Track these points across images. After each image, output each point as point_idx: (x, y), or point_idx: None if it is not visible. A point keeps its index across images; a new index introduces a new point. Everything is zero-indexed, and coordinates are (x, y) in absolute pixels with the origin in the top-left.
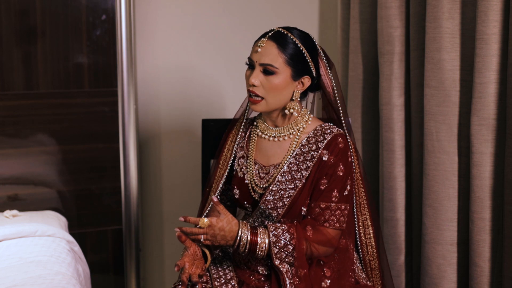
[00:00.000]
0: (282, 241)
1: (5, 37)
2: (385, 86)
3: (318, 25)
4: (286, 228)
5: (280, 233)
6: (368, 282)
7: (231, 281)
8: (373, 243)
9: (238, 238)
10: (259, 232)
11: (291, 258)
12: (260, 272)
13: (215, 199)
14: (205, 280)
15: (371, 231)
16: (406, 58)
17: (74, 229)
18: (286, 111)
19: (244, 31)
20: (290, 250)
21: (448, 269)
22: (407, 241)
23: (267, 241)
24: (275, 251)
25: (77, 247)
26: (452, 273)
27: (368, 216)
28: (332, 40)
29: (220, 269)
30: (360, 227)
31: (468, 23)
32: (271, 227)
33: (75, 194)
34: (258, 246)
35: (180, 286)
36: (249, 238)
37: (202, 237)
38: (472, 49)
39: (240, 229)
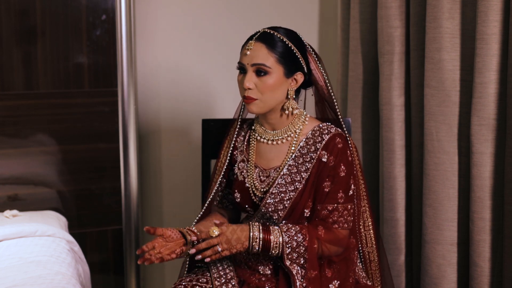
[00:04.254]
0: (295, 242)
1: (5, 37)
2: (385, 86)
3: (318, 25)
4: (298, 229)
5: (292, 234)
6: (368, 282)
7: (231, 281)
8: (372, 235)
9: (251, 236)
10: (271, 230)
11: (301, 259)
12: (261, 272)
13: (217, 221)
14: (205, 281)
15: (370, 223)
16: (406, 58)
17: (74, 229)
18: (286, 111)
19: (244, 31)
20: (302, 251)
21: (448, 269)
22: (407, 241)
23: (280, 239)
24: (287, 252)
25: (77, 247)
26: (452, 273)
27: (367, 208)
28: (332, 40)
29: (220, 268)
30: (360, 219)
31: (468, 23)
32: (284, 227)
33: (75, 194)
34: (272, 244)
35: (180, 286)
36: (261, 236)
37: (219, 248)
38: (472, 49)
39: (251, 227)
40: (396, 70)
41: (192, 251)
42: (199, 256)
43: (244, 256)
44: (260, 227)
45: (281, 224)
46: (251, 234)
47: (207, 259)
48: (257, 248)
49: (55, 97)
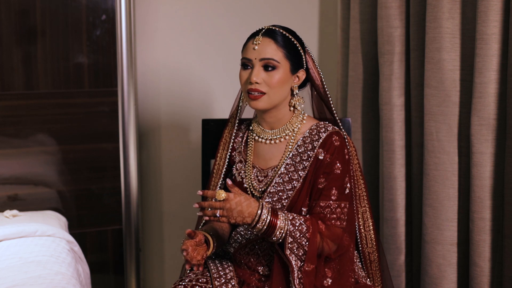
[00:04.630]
0: (298, 232)
1: (5, 37)
2: (385, 86)
3: (318, 25)
4: (303, 220)
5: (297, 223)
6: (367, 281)
7: (231, 281)
8: (373, 236)
9: (257, 216)
10: (279, 215)
11: (301, 251)
12: (261, 272)
13: (229, 182)
14: (205, 281)
15: (371, 224)
16: (406, 58)
17: (74, 229)
18: (291, 108)
19: (244, 31)
20: (303, 242)
21: (448, 269)
22: (407, 241)
23: (286, 227)
24: (289, 241)
25: (77, 247)
26: (452, 273)
27: (367, 208)
28: (332, 40)
29: (220, 268)
30: (360, 220)
31: (468, 23)
32: (289, 215)
33: (75, 194)
34: (277, 229)
35: (180, 286)
36: (269, 219)
37: (218, 212)
38: (472, 49)
39: (261, 206)
40: (396, 70)
41: (195, 205)
42: (200, 213)
43: (244, 257)
44: (270, 209)
45: (285, 211)
46: (259, 212)
47: (206, 218)
48: (260, 228)
49: (55, 97)
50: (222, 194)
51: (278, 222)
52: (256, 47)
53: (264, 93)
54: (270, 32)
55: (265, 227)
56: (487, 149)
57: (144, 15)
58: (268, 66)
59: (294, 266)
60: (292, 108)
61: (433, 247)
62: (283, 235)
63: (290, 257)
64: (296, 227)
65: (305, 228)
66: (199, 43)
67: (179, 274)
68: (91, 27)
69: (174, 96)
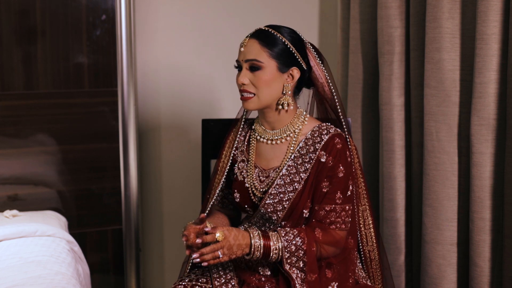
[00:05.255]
0: (293, 246)
1: (5, 37)
2: (385, 86)
3: (318, 25)
4: (296, 232)
5: (291, 238)
6: (368, 282)
7: (231, 281)
8: (373, 234)
9: (252, 244)
10: (270, 236)
11: (301, 263)
12: (261, 272)
13: (209, 227)
14: (205, 280)
15: (370, 222)
16: (406, 58)
17: (74, 229)
18: (280, 106)
19: (244, 30)
20: (301, 255)
21: (448, 269)
22: (407, 241)
23: (279, 245)
24: (286, 256)
25: (77, 247)
26: (452, 273)
27: (367, 207)
28: (332, 40)
29: (220, 268)
30: (360, 218)
31: (468, 23)
32: (282, 231)
33: (75, 194)
34: (272, 250)
35: (180, 286)
36: (262, 243)
37: (220, 253)
38: (472, 49)
39: (251, 234)
40: (396, 70)
41: (196, 256)
42: (197, 260)
43: (247, 258)
44: (260, 233)
45: (279, 228)
46: (253, 241)
47: (204, 264)
48: (258, 255)
49: (55, 97)
50: (220, 235)
51: (271, 243)
52: (243, 49)
53: (254, 94)
54: (258, 33)
55: (261, 251)
56: (487, 149)
57: (144, 15)
58: (253, 67)
59: (295, 279)
60: (280, 107)
61: (433, 247)
62: (280, 253)
63: (291, 271)
64: (290, 242)
65: (299, 240)
66: (199, 43)
67: (179, 274)
68: (91, 27)
69: (174, 96)
